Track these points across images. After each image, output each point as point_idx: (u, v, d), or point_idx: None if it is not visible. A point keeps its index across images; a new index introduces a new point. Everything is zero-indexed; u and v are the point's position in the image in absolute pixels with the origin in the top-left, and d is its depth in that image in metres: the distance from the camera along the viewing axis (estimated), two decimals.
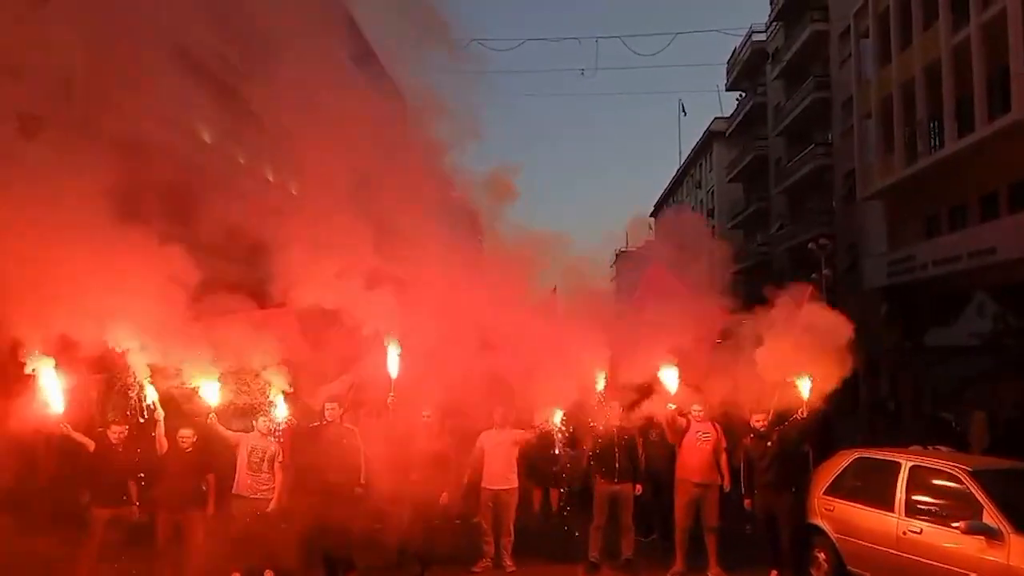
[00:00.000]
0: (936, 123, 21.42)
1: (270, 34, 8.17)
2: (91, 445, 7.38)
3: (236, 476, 7.86)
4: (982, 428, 13.38)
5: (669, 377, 8.66)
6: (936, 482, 7.32)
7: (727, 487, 8.57)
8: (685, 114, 62.37)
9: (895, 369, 23.17)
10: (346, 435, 8.17)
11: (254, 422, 8.07)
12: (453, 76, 9.26)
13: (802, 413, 8.27)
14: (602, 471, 8.62)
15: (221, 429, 7.95)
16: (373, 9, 9.91)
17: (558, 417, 8.70)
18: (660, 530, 9.40)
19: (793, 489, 8.16)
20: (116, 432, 7.54)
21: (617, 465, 8.56)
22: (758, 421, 8.45)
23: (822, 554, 8.03)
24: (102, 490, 7.36)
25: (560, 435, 8.96)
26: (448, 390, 8.35)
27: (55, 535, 8.15)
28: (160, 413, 7.50)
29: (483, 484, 8.53)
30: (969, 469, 7.10)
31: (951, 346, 18.32)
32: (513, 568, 8.43)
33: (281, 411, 8.05)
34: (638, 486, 8.72)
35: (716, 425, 8.75)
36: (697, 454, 8.56)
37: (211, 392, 7.74)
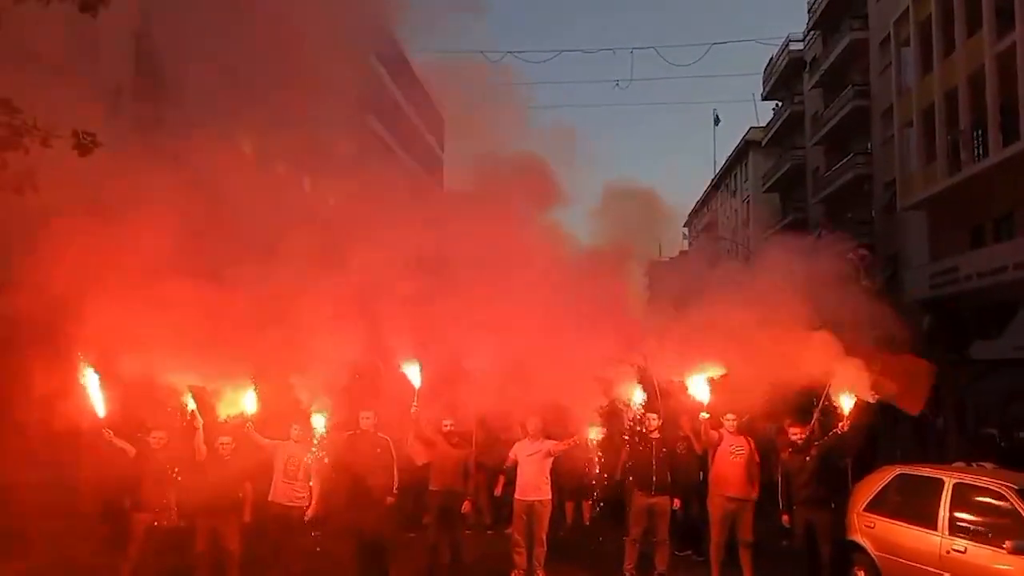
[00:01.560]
0: (980, 132, 20.96)
1: None
2: (132, 451, 7.54)
3: (272, 484, 7.96)
4: None
5: (702, 387, 8.57)
6: (981, 500, 7.13)
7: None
8: (720, 123, 61.87)
9: (938, 383, 22.61)
10: (380, 444, 8.24)
11: (291, 430, 8.17)
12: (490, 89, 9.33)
13: (843, 427, 8.15)
14: (639, 483, 8.56)
15: (257, 437, 8.05)
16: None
17: (594, 432, 8.67)
18: (693, 545, 9.28)
19: (832, 505, 8.01)
20: (157, 438, 7.68)
21: (655, 478, 8.50)
22: (796, 435, 8.34)
23: (861, 572, 7.86)
24: (142, 495, 7.51)
25: (595, 449, 8.88)
26: (475, 400, 8.39)
27: (98, 540, 8.39)
28: (200, 420, 7.63)
29: (516, 495, 8.51)
30: (1016, 487, 6.91)
31: (997, 359, 17.84)
32: None
33: (319, 422, 8.12)
34: (676, 500, 8.63)
35: (748, 439, 8.64)
36: (731, 468, 8.46)
37: (248, 400, 7.86)
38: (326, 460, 8.04)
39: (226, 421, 8.01)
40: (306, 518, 7.94)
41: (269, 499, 7.95)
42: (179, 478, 7.58)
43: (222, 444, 7.74)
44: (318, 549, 8.58)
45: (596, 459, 9.01)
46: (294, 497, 7.93)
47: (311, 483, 7.97)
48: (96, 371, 7.23)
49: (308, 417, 8.11)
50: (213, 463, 7.66)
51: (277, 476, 7.96)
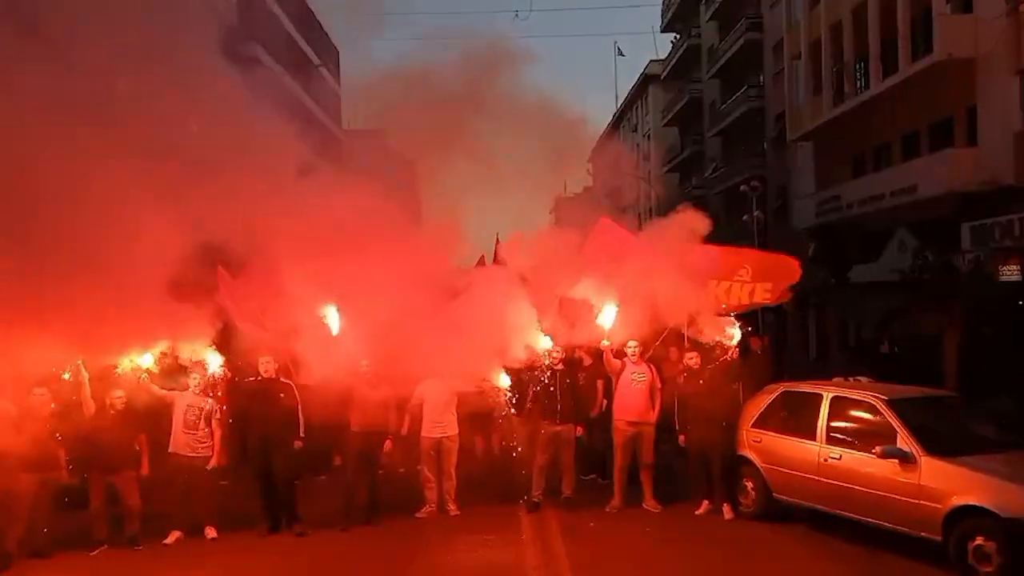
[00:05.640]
0: (863, 64, 21.88)
1: None
2: (12, 409, 7.12)
3: (172, 435, 7.76)
4: (953, 348, 14.00)
5: (605, 315, 8.83)
6: (855, 411, 7.71)
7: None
8: (623, 55, 61.77)
9: (821, 306, 24.09)
10: (283, 389, 8.12)
11: (188, 379, 7.93)
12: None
13: (733, 354, 8.63)
14: (544, 412, 8.79)
15: (155, 388, 7.81)
16: None
17: (504, 379, 8.80)
18: (598, 469, 9.67)
19: (724, 424, 8.49)
20: (39, 395, 7.28)
21: (559, 407, 8.74)
22: (691, 359, 8.74)
23: (750, 483, 8.41)
24: (26, 454, 7.14)
25: (504, 395, 9.03)
26: (387, 341, 8.34)
27: None
28: (85, 374, 7.27)
29: (423, 432, 8.60)
30: (885, 398, 7.50)
31: (874, 282, 19.11)
32: (457, 512, 8.59)
33: (214, 362, 7.90)
34: (579, 427, 8.93)
35: (651, 365, 8.99)
36: (633, 394, 8.79)
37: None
38: (224, 408, 7.89)
39: (119, 374, 7.71)
40: (209, 467, 7.79)
41: (169, 450, 7.76)
42: (59, 436, 7.24)
43: (115, 397, 7.43)
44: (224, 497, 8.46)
45: (504, 394, 9.15)
46: (196, 447, 7.78)
47: (212, 431, 7.81)
48: None
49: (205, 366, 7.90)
50: (103, 417, 7.35)
51: (177, 426, 7.78)
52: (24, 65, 6.63)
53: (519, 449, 9.09)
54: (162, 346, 7.97)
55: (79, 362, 7.35)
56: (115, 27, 7.30)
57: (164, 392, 7.86)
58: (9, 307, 6.48)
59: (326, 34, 34.16)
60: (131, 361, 7.76)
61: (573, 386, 8.95)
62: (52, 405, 7.29)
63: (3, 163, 6.47)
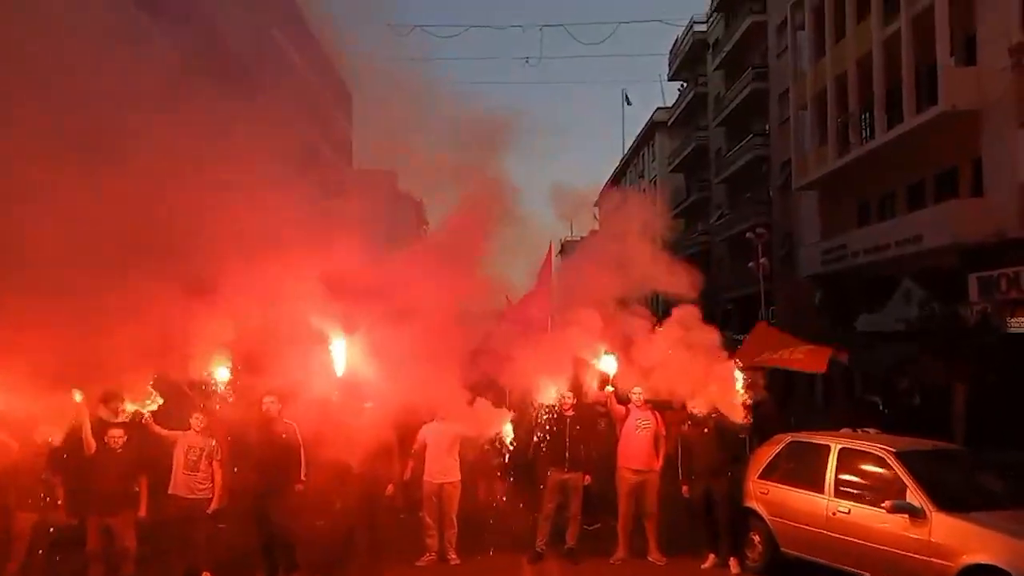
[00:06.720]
0: (868, 115, 22.10)
1: None
2: (14, 446, 7.07)
3: (172, 475, 7.67)
4: (961, 401, 13.78)
5: (608, 363, 8.81)
6: (863, 464, 7.61)
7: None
8: (630, 104, 62.67)
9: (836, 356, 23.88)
10: (286, 430, 8.04)
11: (191, 419, 7.87)
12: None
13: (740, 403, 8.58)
14: (553, 459, 8.68)
15: (157, 428, 7.74)
16: None
17: (508, 429, 8.72)
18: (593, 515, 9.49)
19: (729, 474, 8.37)
20: (41, 433, 7.23)
21: (568, 454, 8.64)
22: (695, 408, 8.65)
23: (757, 536, 8.26)
24: (24, 493, 7.07)
25: (505, 447, 8.95)
26: (393, 383, 8.29)
27: None
28: (85, 412, 7.22)
29: (425, 477, 8.50)
30: (894, 451, 7.40)
31: (879, 332, 19.00)
32: (457, 561, 8.43)
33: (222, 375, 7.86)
34: (587, 476, 8.79)
35: (656, 412, 8.90)
36: (637, 441, 8.71)
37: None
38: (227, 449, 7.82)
39: (119, 414, 7.65)
40: (210, 510, 7.69)
41: (169, 492, 7.66)
42: (50, 477, 7.20)
43: (112, 437, 7.38)
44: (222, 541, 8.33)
45: (506, 440, 9.07)
46: (196, 488, 7.67)
47: (213, 473, 7.72)
48: None
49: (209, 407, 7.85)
50: (103, 457, 7.28)
51: (177, 467, 7.67)
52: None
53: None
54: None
55: (79, 399, 7.29)
56: (136, 77, 7.45)
57: (167, 432, 7.80)
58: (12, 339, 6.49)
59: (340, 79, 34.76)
60: (134, 402, 7.71)
61: (583, 433, 8.85)
62: (51, 441, 7.23)
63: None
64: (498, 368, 8.84)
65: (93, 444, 7.30)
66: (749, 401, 8.72)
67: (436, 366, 8.24)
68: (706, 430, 8.50)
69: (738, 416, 8.48)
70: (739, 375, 8.74)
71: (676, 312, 9.30)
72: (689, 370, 8.53)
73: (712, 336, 8.97)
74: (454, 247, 9.53)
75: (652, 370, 8.73)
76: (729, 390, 8.54)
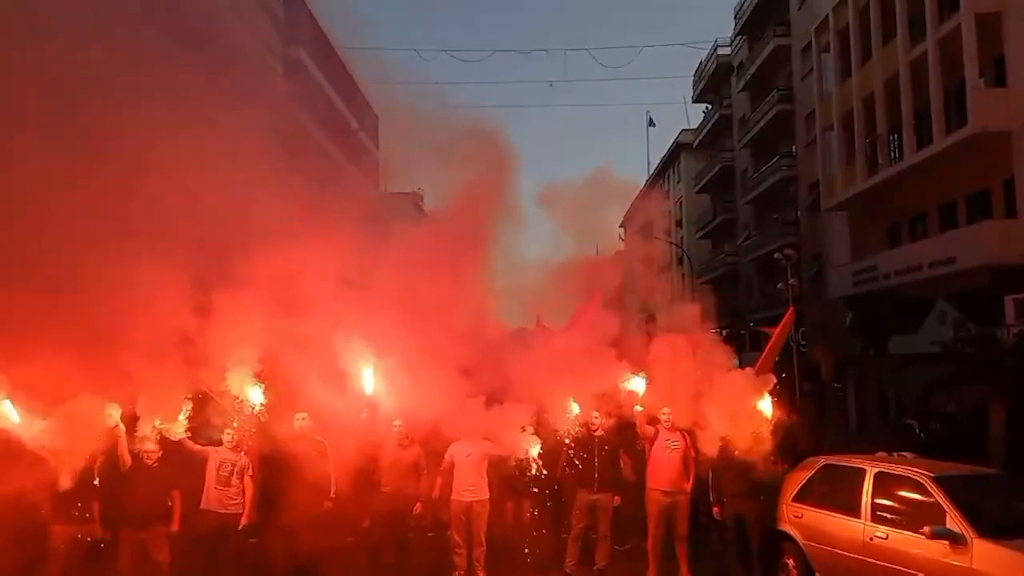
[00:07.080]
0: (896, 136, 21.94)
1: None
2: (51, 460, 7.16)
3: (204, 490, 7.73)
4: (1000, 424, 13.48)
5: (637, 384, 8.77)
6: (900, 489, 7.44)
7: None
8: (654, 126, 63.15)
9: (860, 377, 23.58)
10: (316, 447, 8.08)
11: (222, 436, 7.93)
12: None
13: (770, 426, 8.44)
14: (582, 480, 8.62)
15: (190, 444, 7.81)
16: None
17: (535, 448, 8.67)
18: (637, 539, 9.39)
19: (760, 497, 8.24)
20: (78, 446, 7.30)
21: (597, 475, 8.57)
22: (727, 427, 8.55)
23: (791, 561, 8.10)
24: (62, 506, 7.16)
25: (536, 464, 8.89)
26: (421, 402, 8.31)
27: (12, 556, 7.91)
28: (122, 428, 7.32)
29: (453, 496, 8.46)
30: (933, 475, 7.24)
31: (914, 353, 18.69)
32: None
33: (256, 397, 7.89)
34: (616, 497, 8.72)
35: (685, 434, 8.81)
36: (667, 462, 8.61)
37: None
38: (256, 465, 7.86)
39: (154, 428, 7.72)
40: (241, 525, 7.73)
41: (202, 507, 7.71)
42: (98, 485, 7.25)
43: (147, 452, 7.46)
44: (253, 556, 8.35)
45: (535, 460, 9.03)
46: (228, 504, 7.72)
47: (245, 488, 7.77)
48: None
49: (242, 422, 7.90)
50: (137, 472, 7.36)
51: (209, 482, 7.73)
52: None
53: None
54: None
55: (114, 413, 7.36)
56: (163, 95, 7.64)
57: (199, 447, 7.87)
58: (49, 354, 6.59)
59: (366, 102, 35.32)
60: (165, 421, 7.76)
61: (612, 453, 8.77)
62: (87, 456, 7.30)
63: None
64: (526, 385, 8.79)
65: (129, 460, 7.38)
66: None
67: (460, 383, 8.28)
68: (736, 452, 8.38)
69: (767, 464, 8.34)
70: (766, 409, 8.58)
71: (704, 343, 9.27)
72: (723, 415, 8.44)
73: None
74: (457, 227, 9.63)
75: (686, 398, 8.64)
76: (762, 442, 8.38)
